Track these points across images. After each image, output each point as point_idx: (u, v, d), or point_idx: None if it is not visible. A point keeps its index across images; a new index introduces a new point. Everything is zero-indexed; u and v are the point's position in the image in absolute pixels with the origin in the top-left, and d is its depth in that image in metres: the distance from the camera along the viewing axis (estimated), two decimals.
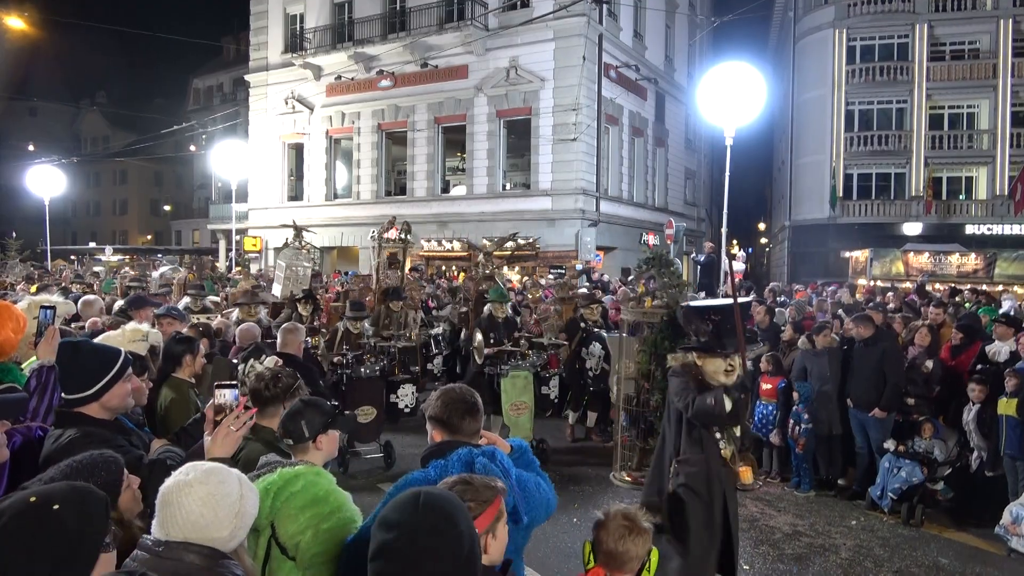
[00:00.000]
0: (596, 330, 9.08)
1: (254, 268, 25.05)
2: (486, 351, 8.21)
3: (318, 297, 10.93)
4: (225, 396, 2.71)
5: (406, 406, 8.28)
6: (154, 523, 1.77)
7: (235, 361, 5.97)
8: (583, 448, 9.00)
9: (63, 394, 2.72)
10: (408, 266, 11.66)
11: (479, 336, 8.29)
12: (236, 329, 7.22)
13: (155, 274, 15.13)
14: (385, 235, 10.89)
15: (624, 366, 8.08)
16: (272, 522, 2.45)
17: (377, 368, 7.87)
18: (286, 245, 12.01)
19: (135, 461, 2.56)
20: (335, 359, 7.83)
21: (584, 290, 11.72)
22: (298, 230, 11.75)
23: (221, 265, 28.51)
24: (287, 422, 2.77)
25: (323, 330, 8.98)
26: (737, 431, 4.14)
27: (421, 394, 8.64)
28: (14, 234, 21.37)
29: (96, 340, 3.60)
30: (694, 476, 4.10)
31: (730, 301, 4.40)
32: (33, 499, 1.53)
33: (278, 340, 6.04)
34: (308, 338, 8.24)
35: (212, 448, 2.51)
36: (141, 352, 3.74)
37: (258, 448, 2.89)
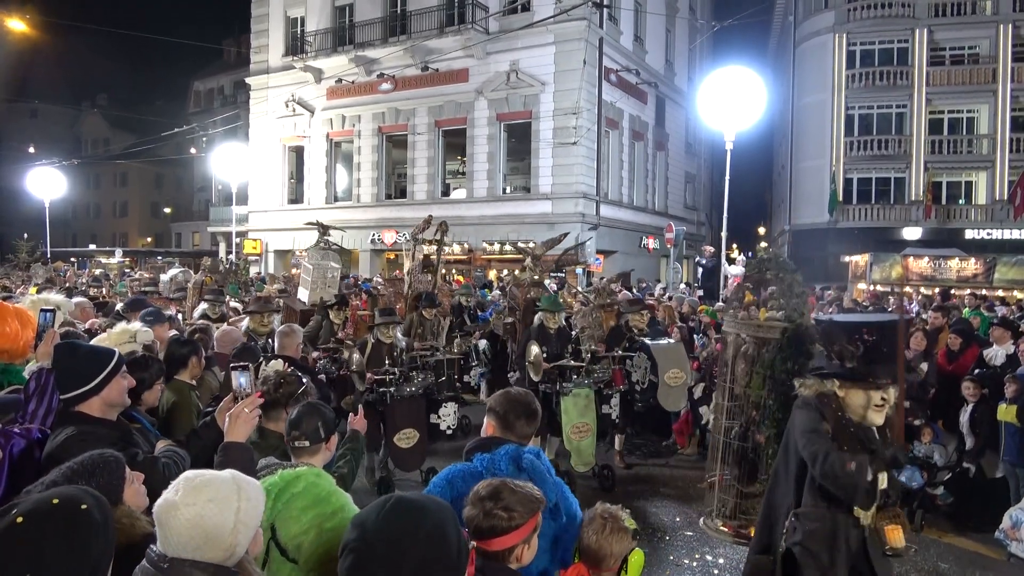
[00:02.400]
0: (642, 339, 8.08)
1: (253, 271, 25.04)
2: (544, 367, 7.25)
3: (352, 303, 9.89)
4: (238, 380, 2.75)
5: (448, 427, 7.24)
6: (158, 538, 1.72)
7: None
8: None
9: (61, 394, 2.73)
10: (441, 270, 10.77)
11: (535, 349, 7.34)
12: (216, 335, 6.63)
13: (164, 277, 14.35)
14: (420, 235, 9.91)
15: (674, 376, 7.48)
16: (272, 524, 2.46)
17: (421, 387, 6.94)
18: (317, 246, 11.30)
19: (129, 459, 2.56)
20: (370, 375, 6.87)
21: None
22: (325, 229, 10.93)
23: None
24: (304, 424, 2.80)
25: (349, 341, 8.07)
26: (882, 480, 3.26)
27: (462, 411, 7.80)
28: (25, 235, 21.50)
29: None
30: (814, 535, 3.31)
31: (890, 317, 3.66)
32: (55, 501, 1.55)
33: (276, 344, 5.94)
34: (345, 352, 7.77)
35: (230, 432, 2.59)
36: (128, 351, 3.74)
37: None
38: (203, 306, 8.41)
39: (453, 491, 2.42)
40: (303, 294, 9.84)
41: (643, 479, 7.86)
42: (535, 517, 2.11)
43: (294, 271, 24.67)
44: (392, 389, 6.66)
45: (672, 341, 8.23)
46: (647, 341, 7.92)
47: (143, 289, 11.23)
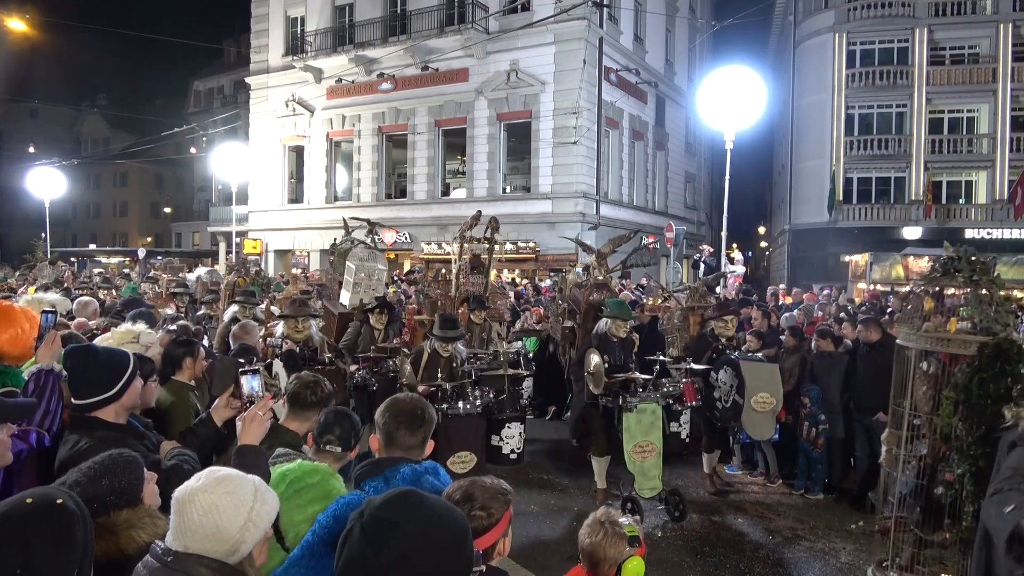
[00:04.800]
0: (728, 352, 7.25)
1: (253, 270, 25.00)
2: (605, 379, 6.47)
3: (396, 307, 8.90)
4: (252, 384, 2.75)
5: (512, 451, 6.35)
6: (170, 528, 1.76)
7: (241, 361, 5.69)
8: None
9: (77, 400, 2.68)
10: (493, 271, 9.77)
11: (595, 359, 6.55)
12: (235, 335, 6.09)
13: (191, 277, 13.74)
14: (469, 232, 9.07)
15: (762, 401, 6.78)
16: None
17: (481, 404, 6.19)
18: (334, 244, 10.46)
19: (152, 466, 2.57)
20: (423, 387, 6.21)
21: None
22: (372, 226, 10.20)
23: (221, 267, 28.50)
24: (337, 429, 2.84)
25: (404, 350, 7.15)
26: None
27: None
28: (43, 235, 21.53)
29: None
30: None
31: None
32: (29, 500, 1.56)
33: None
34: (390, 360, 7.09)
35: (243, 435, 2.59)
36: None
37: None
38: (233, 308, 7.81)
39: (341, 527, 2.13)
40: (344, 296, 8.97)
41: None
42: (509, 509, 2.13)
43: (294, 271, 24.67)
44: (445, 406, 5.93)
45: (762, 357, 7.44)
46: (737, 356, 7.11)
47: (173, 291, 10.82)
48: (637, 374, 6.60)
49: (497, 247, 9.48)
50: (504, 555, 2.14)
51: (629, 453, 6.31)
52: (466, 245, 9.34)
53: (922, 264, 20.73)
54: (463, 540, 1.62)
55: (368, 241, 10.03)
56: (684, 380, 6.77)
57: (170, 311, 8.48)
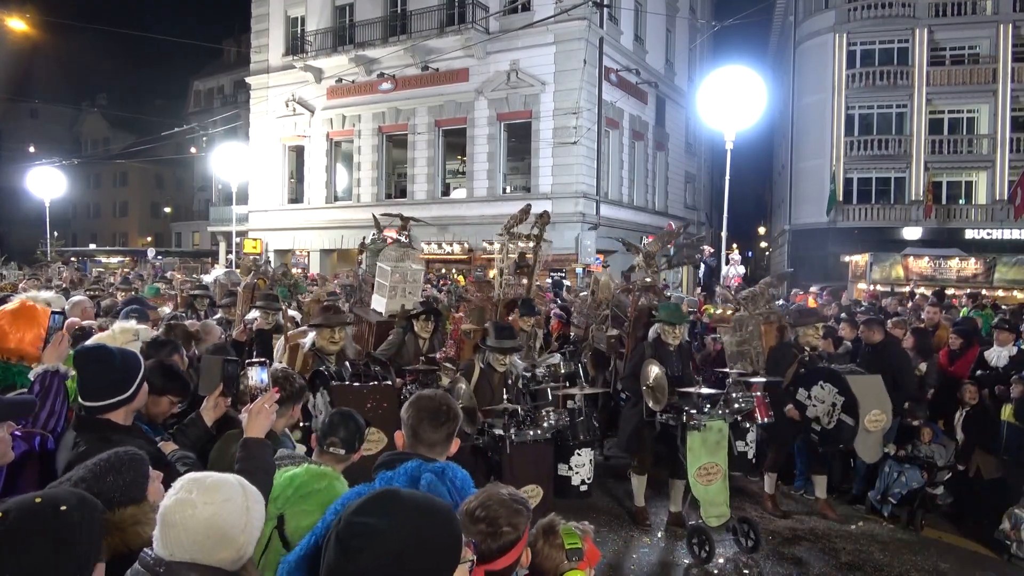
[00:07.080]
0: (825, 364, 6.59)
1: None
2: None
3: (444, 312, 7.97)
4: (261, 377, 2.74)
5: (583, 481, 5.56)
6: (156, 540, 1.67)
7: (232, 359, 5.16)
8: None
9: (88, 402, 2.63)
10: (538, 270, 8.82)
11: (655, 370, 5.88)
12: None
13: (207, 278, 13.13)
14: (515, 229, 8.39)
15: (874, 420, 6.12)
16: (282, 514, 2.46)
17: (550, 429, 5.32)
18: (363, 242, 9.73)
19: (162, 463, 2.57)
20: (480, 414, 5.33)
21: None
22: (405, 222, 9.37)
23: (220, 267, 28.41)
24: (342, 431, 2.83)
25: (448, 364, 6.23)
26: None
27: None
28: (55, 234, 21.45)
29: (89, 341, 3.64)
30: None
31: None
32: (38, 500, 1.55)
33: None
34: (439, 375, 6.17)
35: (249, 428, 2.58)
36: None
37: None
38: (254, 314, 7.09)
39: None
40: (379, 303, 8.15)
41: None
42: (529, 521, 2.10)
43: (294, 271, 24.62)
44: (512, 432, 5.10)
45: (855, 368, 6.82)
46: (838, 369, 6.49)
47: (192, 293, 10.17)
48: (703, 388, 5.92)
49: (544, 245, 8.56)
50: (525, 566, 2.12)
51: (693, 477, 5.67)
52: (510, 244, 8.45)
53: (922, 264, 20.74)
54: (449, 528, 1.56)
55: (401, 239, 9.12)
56: (756, 395, 6.09)
57: (167, 310, 8.33)
